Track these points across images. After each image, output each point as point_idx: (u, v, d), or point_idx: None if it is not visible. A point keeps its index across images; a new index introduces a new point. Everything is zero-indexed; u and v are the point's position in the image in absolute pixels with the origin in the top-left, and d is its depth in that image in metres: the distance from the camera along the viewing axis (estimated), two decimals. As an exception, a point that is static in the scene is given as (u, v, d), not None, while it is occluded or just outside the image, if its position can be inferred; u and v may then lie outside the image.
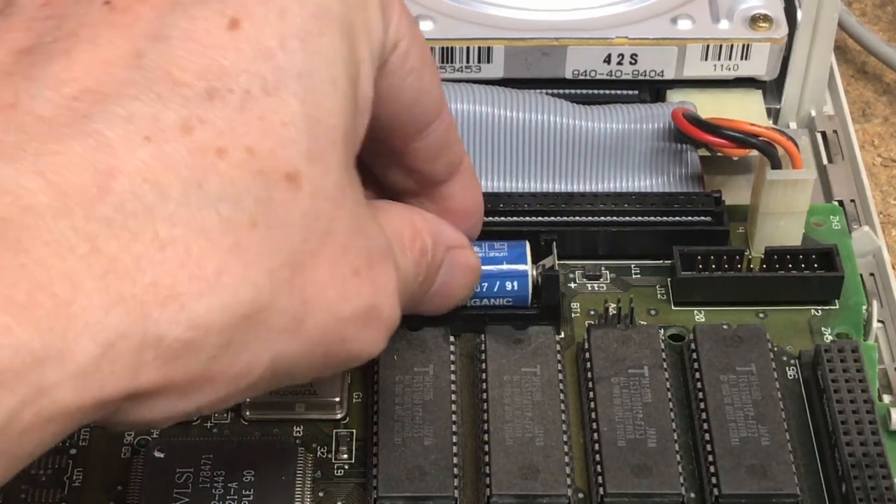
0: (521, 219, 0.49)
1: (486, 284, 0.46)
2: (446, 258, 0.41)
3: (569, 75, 0.53)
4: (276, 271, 0.32)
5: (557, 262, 0.46)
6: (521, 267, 0.46)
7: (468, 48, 0.52)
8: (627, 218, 0.49)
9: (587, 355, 0.45)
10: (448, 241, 0.41)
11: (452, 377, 0.44)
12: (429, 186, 0.42)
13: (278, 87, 0.32)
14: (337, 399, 0.45)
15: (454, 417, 0.43)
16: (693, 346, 0.45)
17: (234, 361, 0.32)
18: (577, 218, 0.49)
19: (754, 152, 0.48)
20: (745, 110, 0.53)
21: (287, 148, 0.32)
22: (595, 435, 0.43)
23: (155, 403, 0.31)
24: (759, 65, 0.53)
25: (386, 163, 0.41)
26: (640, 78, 0.53)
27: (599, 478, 0.42)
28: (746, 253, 0.49)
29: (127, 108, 0.30)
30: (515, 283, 0.46)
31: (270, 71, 0.32)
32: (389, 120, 0.39)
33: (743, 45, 0.52)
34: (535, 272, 0.46)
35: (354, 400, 0.46)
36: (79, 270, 0.29)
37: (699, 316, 0.48)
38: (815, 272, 0.48)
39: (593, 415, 0.44)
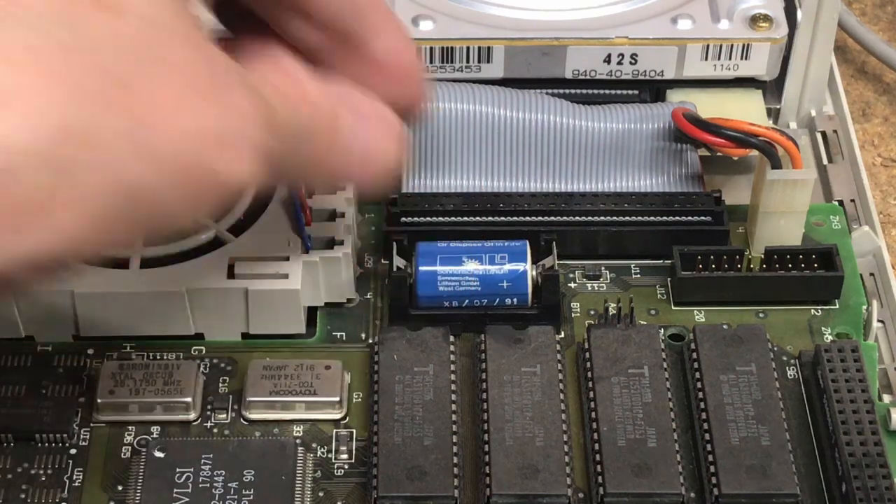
0: (521, 219, 0.49)
1: (486, 284, 0.46)
2: (354, 120, 0.39)
3: (569, 75, 0.53)
4: (97, 91, 0.30)
5: (557, 262, 0.47)
6: (521, 267, 0.46)
7: (468, 48, 0.52)
8: (627, 218, 0.49)
9: (587, 355, 0.45)
10: (351, 100, 0.39)
11: (452, 377, 0.45)
12: (342, 43, 0.40)
13: None
14: (337, 399, 0.45)
15: (454, 417, 0.43)
16: (693, 346, 0.45)
17: (70, 186, 0.30)
18: (577, 218, 0.49)
19: (754, 152, 0.48)
20: (745, 110, 0.53)
21: None
22: (595, 435, 0.43)
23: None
24: (759, 65, 0.53)
25: (285, 13, 0.40)
26: (640, 78, 0.53)
27: (599, 478, 0.42)
28: (746, 253, 0.49)
29: None
30: (515, 283, 0.46)
31: None
32: None
33: (743, 45, 0.52)
34: (534, 272, 0.46)
35: (354, 400, 0.46)
36: None
37: (699, 316, 0.48)
38: (815, 272, 0.48)
39: (593, 415, 0.44)
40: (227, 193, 0.34)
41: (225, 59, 0.34)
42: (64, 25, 0.31)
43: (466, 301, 0.46)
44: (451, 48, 0.52)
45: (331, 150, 0.39)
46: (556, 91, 0.53)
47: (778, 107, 0.56)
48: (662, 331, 0.47)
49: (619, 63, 0.53)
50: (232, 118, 0.33)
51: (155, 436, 0.44)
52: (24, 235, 0.30)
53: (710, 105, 0.52)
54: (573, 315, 0.48)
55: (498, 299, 0.46)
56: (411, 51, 0.41)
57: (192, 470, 0.43)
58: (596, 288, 0.49)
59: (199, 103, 0.33)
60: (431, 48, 0.52)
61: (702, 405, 0.44)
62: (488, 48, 0.52)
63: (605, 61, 0.52)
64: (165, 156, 0.32)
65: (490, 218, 0.49)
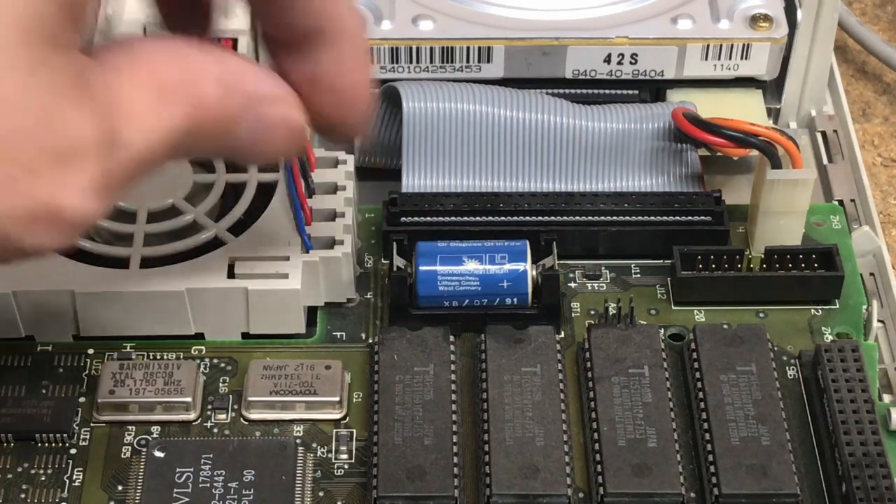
0: (521, 219, 0.49)
1: (486, 284, 0.46)
2: (253, 110, 0.37)
3: (569, 75, 0.53)
4: None
5: (557, 261, 0.47)
6: (521, 266, 0.46)
7: (468, 48, 0.52)
8: (627, 218, 0.49)
9: (587, 355, 0.45)
10: (253, 91, 0.37)
11: (452, 377, 0.45)
12: (291, 43, 0.38)
13: None
14: (337, 399, 0.45)
15: (454, 417, 0.43)
16: (693, 345, 0.45)
17: None
18: (577, 218, 0.49)
19: (754, 152, 0.48)
20: (745, 110, 0.53)
21: None
22: (595, 435, 0.43)
23: None
24: (760, 64, 0.53)
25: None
26: (640, 78, 0.53)
27: (599, 477, 0.42)
28: (746, 253, 0.49)
29: None
30: (515, 283, 0.46)
31: None
32: None
33: (743, 45, 0.52)
34: (534, 272, 0.46)
35: (354, 400, 0.46)
36: None
37: (699, 316, 0.48)
38: (815, 272, 0.48)
39: (593, 414, 0.44)
40: (34, 258, 0.33)
41: (79, 123, 0.33)
42: None
43: (466, 301, 0.46)
44: (452, 48, 0.52)
45: (225, 145, 0.38)
46: (556, 91, 0.53)
47: (778, 107, 0.56)
48: (662, 331, 0.47)
49: (619, 63, 0.53)
50: (59, 198, 0.32)
51: (155, 436, 0.44)
52: None
53: (710, 105, 0.52)
54: (573, 315, 0.48)
55: (498, 299, 0.46)
56: (362, 73, 0.39)
57: (192, 470, 0.43)
58: (596, 288, 0.49)
59: (23, 185, 0.32)
60: (431, 48, 0.52)
61: (702, 405, 0.44)
62: (488, 48, 0.52)
63: (605, 61, 0.53)
64: None
65: (490, 218, 0.49)
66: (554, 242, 0.47)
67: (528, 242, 0.46)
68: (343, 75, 0.39)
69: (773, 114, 0.56)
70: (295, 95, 0.38)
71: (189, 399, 0.45)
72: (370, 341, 0.47)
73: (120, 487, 0.43)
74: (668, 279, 0.49)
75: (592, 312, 0.48)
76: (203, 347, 0.47)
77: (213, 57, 0.36)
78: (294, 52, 0.39)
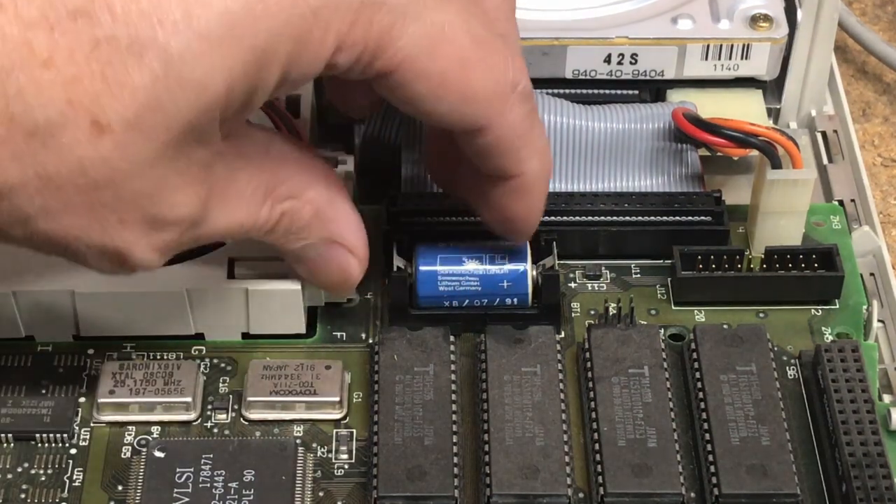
0: (522, 219, 0.49)
1: (486, 284, 0.46)
2: (323, 245, 0.42)
3: (569, 75, 0.53)
4: (27, 177, 0.34)
5: (557, 261, 0.46)
6: (521, 267, 0.46)
7: (468, 48, 0.52)
8: (627, 218, 0.49)
9: (587, 355, 0.45)
10: (336, 234, 0.43)
11: (452, 377, 0.44)
12: (480, 182, 0.43)
13: (143, 54, 0.33)
14: (337, 399, 0.45)
15: (454, 417, 0.43)
16: (693, 345, 0.45)
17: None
18: (577, 218, 0.49)
19: (754, 152, 0.48)
20: (745, 110, 0.53)
21: (112, 104, 0.34)
22: (595, 435, 0.43)
23: None
24: (760, 64, 0.53)
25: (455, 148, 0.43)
26: (640, 78, 0.53)
27: (599, 477, 0.42)
28: (746, 253, 0.49)
29: None
30: (515, 283, 0.46)
31: (147, 37, 0.33)
32: (425, 117, 0.40)
33: (743, 45, 0.52)
34: (534, 272, 0.46)
35: (354, 400, 0.46)
36: None
37: (699, 316, 0.48)
38: (815, 272, 0.48)
39: (593, 414, 0.44)
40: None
41: (180, 204, 0.38)
42: (52, 120, 0.34)
43: (466, 301, 0.46)
44: (452, 48, 0.52)
45: (282, 250, 0.43)
46: (556, 91, 0.53)
47: (778, 107, 0.56)
48: (662, 331, 0.47)
49: (619, 63, 0.53)
50: (132, 248, 0.38)
51: (155, 436, 0.44)
52: None
53: (710, 105, 0.52)
54: (573, 315, 0.48)
55: (498, 299, 0.46)
56: (531, 210, 0.44)
57: (192, 470, 0.43)
58: (596, 288, 0.49)
59: (111, 229, 0.37)
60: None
61: (702, 405, 0.44)
62: (488, 48, 0.52)
63: (605, 61, 0.52)
64: (43, 239, 0.37)
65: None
66: (554, 242, 0.47)
67: (528, 242, 0.46)
68: (521, 206, 0.43)
69: (773, 114, 0.56)
70: (366, 256, 0.44)
71: (189, 399, 0.45)
72: (370, 341, 0.47)
73: (120, 487, 0.43)
74: (668, 279, 0.49)
75: (592, 312, 0.48)
76: (203, 347, 0.47)
77: (324, 186, 0.42)
78: (478, 186, 0.43)
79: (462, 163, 0.43)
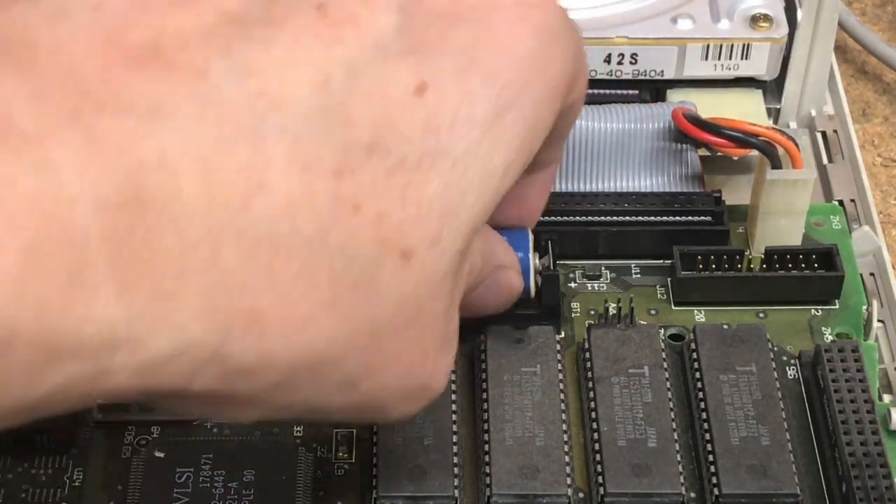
0: (521, 219, 0.49)
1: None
2: (491, 276, 0.41)
3: (569, 75, 0.53)
4: (357, 336, 0.32)
5: (557, 262, 0.46)
6: (521, 255, 0.45)
7: (468, 48, 0.52)
8: (627, 218, 0.49)
9: (587, 355, 0.45)
10: (498, 260, 0.41)
11: (452, 377, 0.44)
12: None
13: (432, 165, 0.32)
14: (337, 399, 0.45)
15: (454, 417, 0.43)
16: (693, 345, 0.45)
17: (280, 397, 0.32)
18: (577, 218, 0.49)
19: (754, 152, 0.48)
20: (745, 110, 0.53)
21: (415, 227, 0.32)
22: (595, 435, 0.43)
23: (191, 404, 0.32)
24: (760, 64, 0.53)
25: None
26: (640, 78, 0.53)
27: (599, 477, 0.42)
28: (746, 253, 0.49)
29: (296, 130, 0.30)
30: None
31: (431, 147, 0.32)
32: None
33: (743, 45, 0.52)
34: (537, 261, 0.45)
35: (354, 400, 0.45)
36: (191, 270, 0.29)
37: (699, 316, 0.48)
38: (815, 272, 0.48)
39: (593, 414, 0.44)
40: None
41: (453, 320, 0.36)
42: (368, 266, 0.32)
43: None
44: (451, 48, 0.52)
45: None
46: (556, 91, 0.53)
47: (778, 107, 0.56)
48: (662, 331, 0.47)
49: (619, 63, 0.53)
50: (434, 378, 0.35)
51: (155, 436, 0.44)
52: (219, 411, 0.33)
53: (710, 105, 0.52)
54: (573, 315, 0.48)
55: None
56: (547, 196, 0.43)
57: (192, 470, 0.43)
58: (596, 288, 0.49)
59: (418, 366, 0.34)
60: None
61: (702, 405, 0.44)
62: (488, 48, 0.52)
63: (605, 61, 0.52)
64: (361, 397, 0.34)
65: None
66: (549, 242, 0.47)
67: (529, 230, 0.46)
68: (544, 194, 0.43)
69: (773, 114, 0.56)
70: (517, 261, 0.42)
71: (189, 399, 0.45)
72: (370, 341, 0.47)
73: (120, 487, 0.43)
74: (668, 279, 0.49)
75: (592, 312, 0.48)
76: (203, 347, 0.47)
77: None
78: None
79: None
